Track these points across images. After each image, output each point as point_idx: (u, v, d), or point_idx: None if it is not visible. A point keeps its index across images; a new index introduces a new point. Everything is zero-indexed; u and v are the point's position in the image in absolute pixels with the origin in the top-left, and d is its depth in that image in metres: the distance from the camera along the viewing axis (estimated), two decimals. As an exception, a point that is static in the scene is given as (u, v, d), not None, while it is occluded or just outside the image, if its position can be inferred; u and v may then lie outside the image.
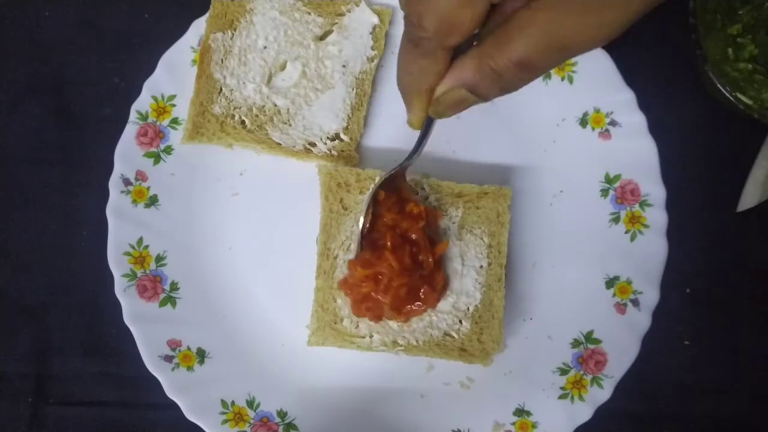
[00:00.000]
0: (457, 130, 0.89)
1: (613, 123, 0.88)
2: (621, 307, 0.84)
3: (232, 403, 0.82)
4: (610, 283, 0.85)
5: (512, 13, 0.50)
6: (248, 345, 0.85)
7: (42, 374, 0.88)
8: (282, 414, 0.83)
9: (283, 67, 0.89)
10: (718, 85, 0.81)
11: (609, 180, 0.88)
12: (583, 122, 0.89)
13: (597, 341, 0.84)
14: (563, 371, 0.84)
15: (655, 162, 0.86)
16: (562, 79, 0.90)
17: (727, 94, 0.81)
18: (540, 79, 0.89)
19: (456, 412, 0.83)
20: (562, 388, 0.83)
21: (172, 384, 0.81)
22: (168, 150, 0.88)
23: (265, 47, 0.88)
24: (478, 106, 0.92)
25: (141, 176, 0.87)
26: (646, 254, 0.85)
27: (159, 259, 0.86)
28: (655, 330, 0.83)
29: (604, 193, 0.88)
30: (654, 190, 0.86)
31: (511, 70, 0.51)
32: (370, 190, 0.80)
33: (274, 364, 0.85)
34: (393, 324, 0.80)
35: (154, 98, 0.88)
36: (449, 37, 0.51)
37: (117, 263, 0.84)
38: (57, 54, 0.94)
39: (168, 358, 0.82)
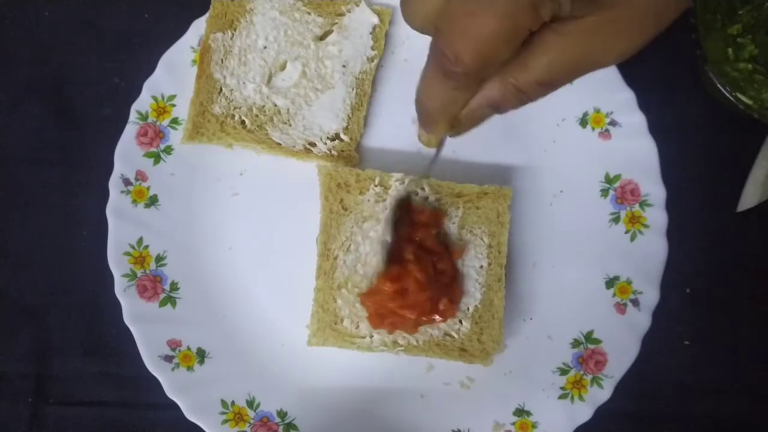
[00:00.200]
0: (457, 130, 0.89)
1: (613, 123, 0.88)
2: (621, 307, 0.84)
3: (232, 403, 0.82)
4: (610, 283, 0.85)
5: (535, 33, 0.50)
6: (248, 345, 0.85)
7: (42, 374, 0.87)
8: (282, 414, 0.83)
9: (283, 67, 0.89)
10: (718, 85, 0.81)
11: (609, 180, 0.88)
12: (583, 122, 0.89)
13: (597, 341, 0.84)
14: (563, 371, 0.84)
15: (655, 162, 0.86)
16: (562, 79, 0.89)
17: (727, 94, 0.81)
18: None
19: (456, 412, 0.83)
20: (562, 388, 0.83)
21: (172, 384, 0.81)
22: (168, 150, 0.88)
23: (265, 47, 0.88)
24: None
25: (141, 176, 0.87)
26: (646, 254, 0.85)
27: (159, 259, 0.86)
28: (655, 330, 0.83)
29: (604, 193, 0.88)
30: (654, 190, 0.86)
31: (534, 88, 0.52)
32: (389, 200, 0.80)
33: (274, 364, 0.85)
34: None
35: (154, 98, 0.88)
36: (487, 70, 0.51)
37: (117, 263, 0.84)
38: (57, 54, 0.94)
39: (168, 358, 0.82)
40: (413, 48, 0.89)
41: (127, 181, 0.86)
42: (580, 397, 0.82)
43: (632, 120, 0.87)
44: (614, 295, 0.85)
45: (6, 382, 0.87)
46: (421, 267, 0.76)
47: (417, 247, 0.78)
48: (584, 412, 0.81)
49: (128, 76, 0.91)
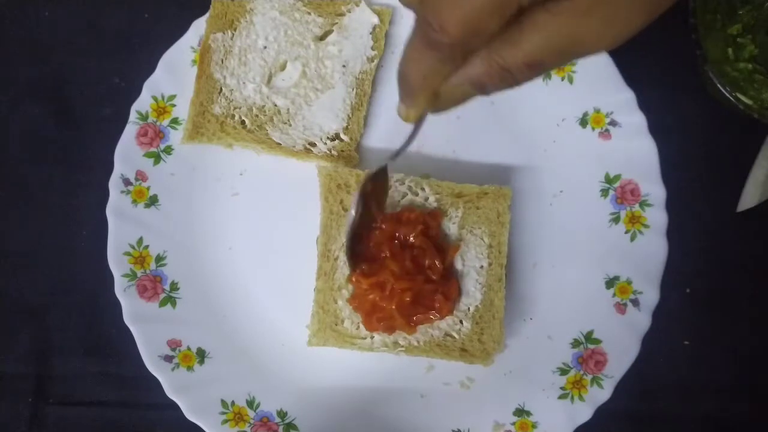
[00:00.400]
0: (457, 130, 0.89)
1: (613, 123, 0.88)
2: (621, 307, 0.84)
3: (232, 403, 0.82)
4: (610, 283, 0.85)
5: (526, 12, 0.49)
6: (248, 345, 0.85)
7: (42, 374, 0.87)
8: (282, 414, 0.83)
9: (283, 67, 0.89)
10: (718, 85, 0.81)
11: (609, 180, 0.88)
12: (583, 122, 0.89)
13: (597, 341, 0.84)
14: (563, 371, 0.84)
15: (655, 162, 0.86)
16: (562, 79, 0.90)
17: (727, 94, 0.81)
18: (540, 79, 0.89)
19: (456, 412, 0.83)
20: (562, 388, 0.83)
21: (172, 384, 0.81)
22: (168, 150, 0.88)
23: (265, 47, 0.88)
24: (478, 107, 0.92)
25: (141, 176, 0.87)
26: (646, 254, 0.85)
27: (159, 259, 0.86)
28: (655, 330, 0.83)
29: (604, 193, 0.88)
30: (654, 190, 0.86)
31: (520, 68, 0.51)
32: (357, 191, 0.77)
33: (274, 364, 0.85)
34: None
35: (154, 98, 0.88)
36: (473, 42, 0.50)
37: (117, 263, 0.84)
38: (57, 54, 0.94)
39: (168, 358, 0.82)
40: (413, 48, 0.89)
41: (127, 181, 0.86)
42: (580, 397, 0.82)
43: (632, 120, 0.87)
44: (614, 295, 0.85)
45: (6, 382, 0.87)
46: (396, 260, 0.77)
47: (397, 244, 0.79)
48: (584, 412, 0.81)
49: (128, 76, 0.91)
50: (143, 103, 0.88)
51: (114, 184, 0.85)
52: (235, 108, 0.87)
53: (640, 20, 0.50)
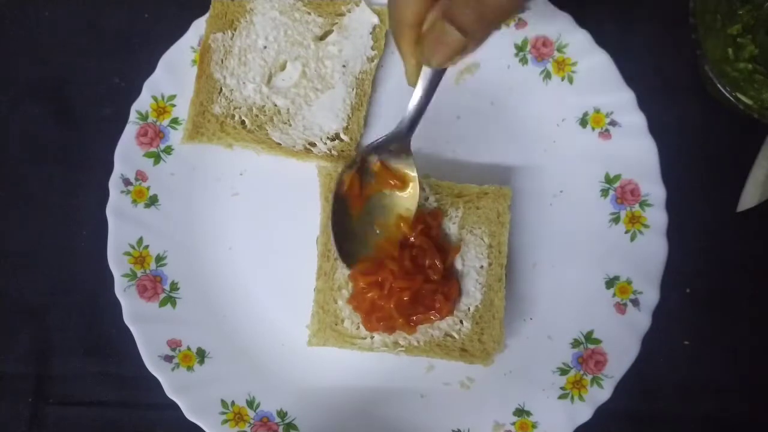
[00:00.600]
0: (457, 130, 0.89)
1: (613, 123, 0.88)
2: (621, 307, 0.84)
3: (232, 403, 0.82)
4: (610, 283, 0.85)
5: None
6: (248, 345, 0.85)
7: (42, 374, 0.88)
8: (282, 414, 0.83)
9: (283, 67, 0.89)
10: (718, 85, 0.81)
11: (609, 180, 0.88)
12: (583, 122, 0.89)
13: (597, 341, 0.84)
14: (563, 371, 0.84)
15: (655, 162, 0.86)
16: (562, 79, 0.90)
17: (727, 94, 0.81)
18: (540, 79, 0.90)
19: (456, 412, 0.83)
20: (562, 388, 0.83)
21: (172, 384, 0.81)
22: (168, 150, 0.88)
23: (265, 47, 0.88)
24: (478, 107, 0.92)
25: (141, 176, 0.87)
26: (646, 254, 0.85)
27: (159, 259, 0.86)
28: (655, 330, 0.83)
29: (604, 193, 0.88)
30: (654, 190, 0.86)
31: None
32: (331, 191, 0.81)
33: (274, 364, 0.85)
34: (395, 325, 0.81)
35: (154, 98, 0.88)
36: None
37: (117, 263, 0.84)
38: (57, 54, 0.94)
39: (168, 358, 0.82)
40: (413, 48, 0.89)
41: (127, 181, 0.86)
42: (580, 397, 0.82)
43: (632, 120, 0.87)
44: (614, 295, 0.85)
45: (6, 382, 0.87)
46: (395, 259, 0.77)
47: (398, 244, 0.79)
48: (584, 412, 0.81)
49: (128, 76, 0.91)
50: (143, 103, 0.88)
51: (114, 184, 0.85)
52: (235, 108, 0.87)
53: None
